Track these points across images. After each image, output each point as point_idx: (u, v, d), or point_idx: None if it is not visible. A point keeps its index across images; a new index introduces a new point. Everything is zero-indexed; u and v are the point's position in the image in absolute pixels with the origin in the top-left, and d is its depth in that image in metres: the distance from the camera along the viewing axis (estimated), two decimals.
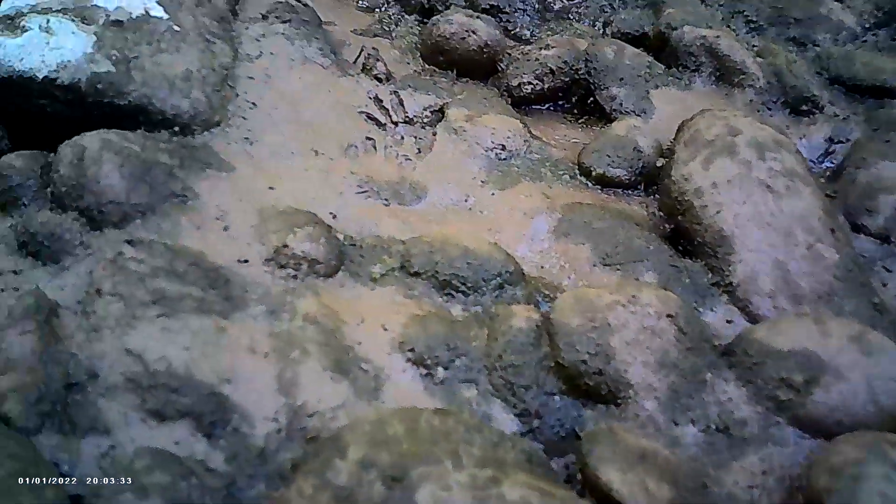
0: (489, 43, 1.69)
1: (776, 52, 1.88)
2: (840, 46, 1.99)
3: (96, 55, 1.29)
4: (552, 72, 1.68)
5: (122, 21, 1.36)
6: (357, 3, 1.98)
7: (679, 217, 1.38)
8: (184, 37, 1.41)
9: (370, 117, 1.54)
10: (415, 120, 1.58)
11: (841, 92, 1.86)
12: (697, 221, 1.34)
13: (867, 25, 2.09)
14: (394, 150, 1.48)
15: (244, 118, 1.41)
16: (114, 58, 1.30)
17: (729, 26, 2.05)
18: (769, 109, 1.77)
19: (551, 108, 1.75)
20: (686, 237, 1.37)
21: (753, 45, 1.95)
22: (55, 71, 1.26)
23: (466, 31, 1.69)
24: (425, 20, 1.91)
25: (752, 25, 2.05)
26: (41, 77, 1.25)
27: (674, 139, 1.52)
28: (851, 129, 1.75)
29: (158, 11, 1.42)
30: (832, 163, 1.70)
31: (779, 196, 1.34)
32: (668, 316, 1.13)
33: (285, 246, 1.16)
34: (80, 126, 1.23)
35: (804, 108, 1.77)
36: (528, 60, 1.69)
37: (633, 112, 1.68)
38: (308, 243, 1.17)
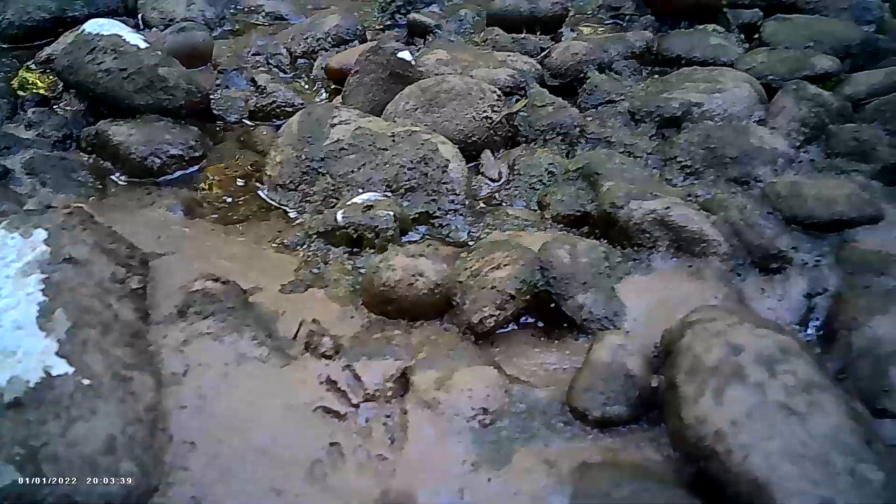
0: (439, 283, 1.53)
1: (725, 203, 1.79)
2: (780, 176, 1.92)
3: None
4: (511, 297, 1.53)
5: (20, 399, 1.14)
6: (274, 244, 1.81)
7: (702, 464, 1.22)
8: (97, 390, 1.20)
9: (328, 411, 1.35)
10: (377, 395, 1.39)
11: (800, 232, 1.77)
12: (725, 470, 1.19)
13: (797, 145, 2.04)
14: (364, 451, 1.29)
15: (185, 468, 1.20)
16: (18, 457, 1.08)
17: (666, 178, 1.96)
18: (739, 275, 1.66)
19: (518, 328, 1.59)
20: (716, 488, 1.21)
21: (697, 196, 1.86)
22: None
23: (413, 275, 1.53)
24: (355, 250, 1.75)
25: (689, 171, 1.97)
26: None
27: (664, 356, 1.38)
28: (826, 276, 1.66)
29: (61, 365, 1.20)
30: (818, 320, 1.59)
31: (803, 418, 1.20)
32: None
33: None
34: None
35: (773, 265, 1.67)
36: (483, 288, 1.53)
37: (605, 318, 1.54)
38: None
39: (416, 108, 2.07)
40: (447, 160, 1.90)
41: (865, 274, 1.63)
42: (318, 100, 2.36)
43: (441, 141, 1.94)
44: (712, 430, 1.21)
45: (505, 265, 1.58)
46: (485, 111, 2.07)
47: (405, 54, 2.18)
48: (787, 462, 1.17)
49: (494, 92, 2.11)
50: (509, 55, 2.38)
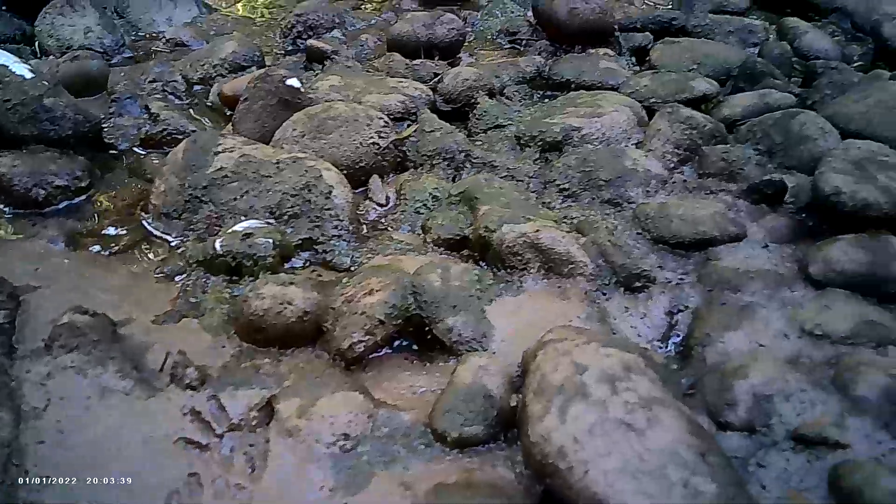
0: (308, 310, 1.56)
1: (595, 225, 1.86)
2: (652, 197, 2.01)
3: None
4: (381, 322, 1.56)
5: None
6: (156, 273, 1.81)
7: (548, 481, 1.27)
8: None
9: (190, 442, 1.36)
10: (241, 424, 1.41)
11: (667, 252, 1.85)
12: (568, 487, 1.23)
13: (672, 166, 2.13)
14: (223, 480, 1.30)
15: None
16: None
17: (545, 201, 2.03)
18: (604, 294, 1.72)
19: (391, 352, 1.62)
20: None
21: (573, 218, 1.93)
22: None
23: (281, 303, 1.55)
24: (234, 278, 1.77)
25: (566, 194, 2.04)
26: None
27: (522, 376, 1.43)
28: (687, 294, 1.73)
29: None
30: (678, 336, 1.66)
31: (642, 433, 1.26)
32: None
33: None
34: None
35: (637, 284, 1.74)
36: (354, 314, 1.57)
37: (473, 340, 1.59)
38: None
39: (304, 135, 2.10)
40: (331, 186, 1.93)
41: (723, 291, 1.72)
42: (211, 127, 2.37)
43: (325, 168, 1.97)
44: (556, 448, 1.26)
45: (377, 291, 1.62)
46: (372, 137, 2.11)
47: (293, 81, 2.21)
48: (624, 477, 1.22)
49: (382, 118, 2.16)
50: (401, 81, 2.43)
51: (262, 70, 2.31)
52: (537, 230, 1.76)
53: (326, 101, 2.24)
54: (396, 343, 1.63)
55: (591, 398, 1.30)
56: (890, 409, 1.40)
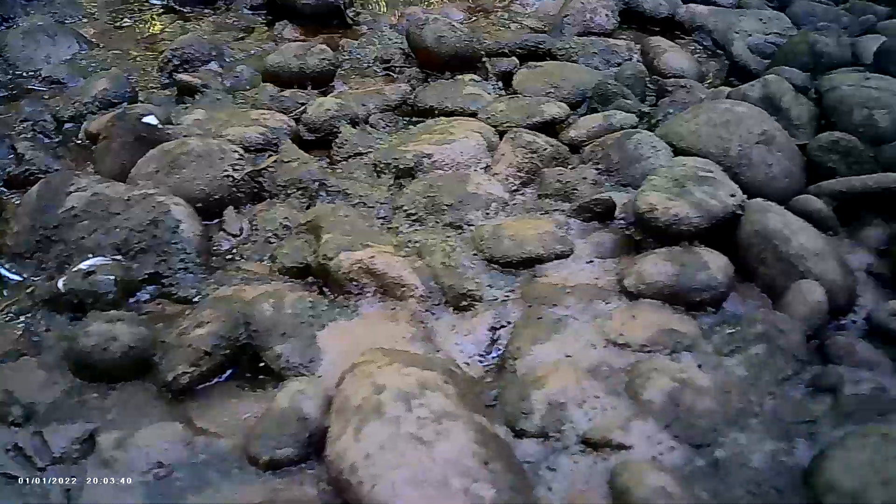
0: (134, 345, 1.63)
1: (432, 248, 1.97)
2: (492, 219, 2.12)
3: None
4: (207, 354, 1.64)
5: None
6: (3, 313, 1.86)
7: (344, 496, 1.36)
8: None
9: (9, 477, 1.42)
10: (63, 458, 1.47)
11: (498, 271, 1.96)
12: (358, 501, 1.33)
13: (514, 189, 2.25)
14: None
15: None
16: None
17: (393, 227, 2.12)
18: (433, 314, 1.83)
19: (223, 381, 1.70)
20: None
21: (416, 243, 2.03)
22: None
23: (107, 340, 1.61)
24: (78, 315, 1.82)
25: (413, 219, 2.14)
26: None
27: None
28: (510, 311, 1.85)
29: None
30: (498, 351, 1.77)
31: (430, 446, 1.36)
32: None
33: None
34: None
35: (464, 303, 1.84)
36: (181, 347, 1.64)
37: (301, 366, 1.67)
38: None
39: (158, 171, 2.17)
40: (178, 220, 2.00)
41: (541, 306, 1.83)
42: (74, 166, 2.42)
43: (175, 202, 2.04)
44: (349, 464, 1.35)
45: (207, 322, 1.70)
46: (226, 170, 2.18)
47: (150, 118, 2.28)
48: (409, 488, 1.32)
49: (236, 151, 2.24)
50: (264, 113, 2.52)
51: (122, 108, 2.37)
52: (372, 256, 1.86)
53: (185, 135, 2.31)
54: (229, 372, 1.71)
55: (385, 416, 1.39)
56: (672, 411, 1.53)
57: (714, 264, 1.86)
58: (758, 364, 1.64)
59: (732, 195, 2.02)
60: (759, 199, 2.03)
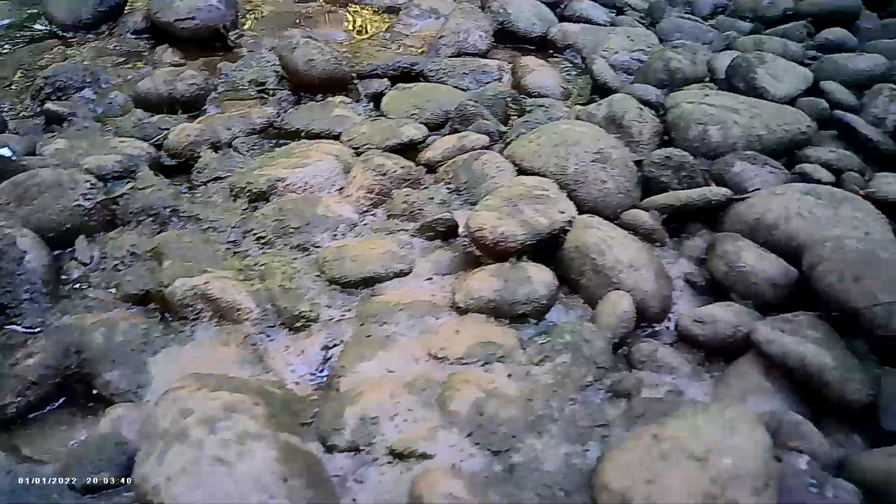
0: None
1: (274, 271, 2.04)
2: (339, 240, 2.20)
3: None
4: (35, 383, 1.68)
5: None
6: None
7: None
8: None
9: None
10: None
11: (338, 291, 2.05)
12: None
13: (364, 210, 2.34)
14: None
15: None
16: None
17: (241, 251, 2.19)
18: (268, 336, 1.90)
19: (54, 408, 1.74)
20: None
21: (262, 265, 2.10)
22: None
23: None
24: None
25: (263, 242, 2.21)
26: None
27: None
28: (344, 330, 1.93)
29: None
30: (328, 370, 1.85)
31: (231, 466, 1.42)
32: None
33: None
34: None
35: (298, 324, 1.92)
36: (10, 377, 1.68)
37: (129, 392, 1.73)
38: None
39: (9, 203, 2.19)
40: (24, 251, 2.03)
41: (373, 324, 1.92)
42: None
43: (21, 233, 2.07)
44: (151, 487, 1.41)
45: (37, 353, 1.74)
46: (77, 200, 2.22)
47: (4, 150, 2.30)
48: None
49: (88, 181, 2.27)
50: (123, 141, 2.56)
51: None
52: (207, 282, 1.93)
53: (41, 166, 2.34)
54: (62, 399, 1.75)
55: (188, 440, 1.46)
56: (476, 420, 1.63)
57: (537, 278, 1.98)
58: (563, 372, 1.75)
59: (562, 212, 2.14)
60: (584, 216, 2.16)
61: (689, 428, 1.48)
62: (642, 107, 2.71)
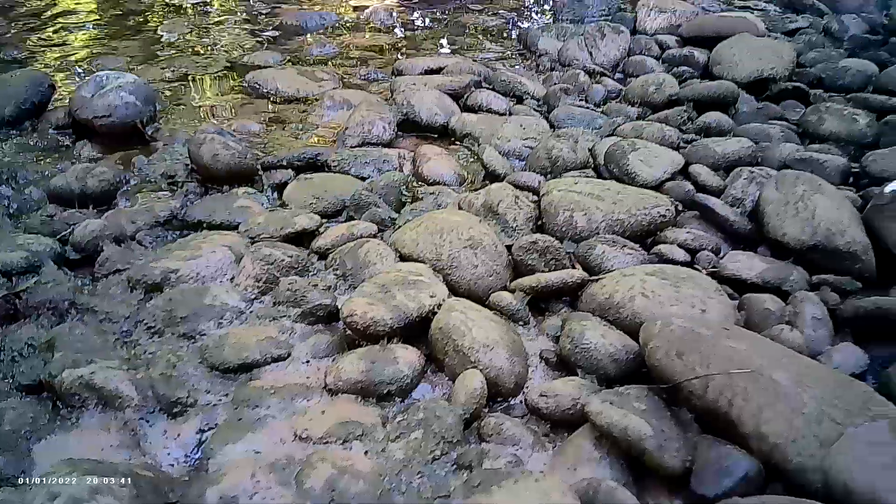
0: None
1: (158, 359, 2.20)
2: (225, 328, 2.37)
3: None
4: None
5: None
6: None
7: None
8: None
9: None
10: None
11: (218, 377, 2.21)
12: None
13: (252, 297, 2.52)
14: None
15: None
16: None
17: (132, 341, 2.34)
18: (148, 422, 2.05)
19: None
20: None
21: (151, 354, 2.25)
22: None
23: None
24: None
25: (153, 331, 2.36)
26: None
27: None
28: (219, 414, 2.08)
29: None
30: (200, 453, 1.99)
31: None
32: None
33: None
34: None
35: (176, 409, 2.07)
36: None
37: (13, 477, 1.86)
38: None
39: None
40: None
41: (246, 407, 2.08)
42: None
43: None
44: None
45: None
46: None
47: None
48: None
49: None
50: (29, 237, 2.72)
51: None
52: (92, 371, 2.08)
53: None
54: None
55: None
56: (328, 497, 1.79)
57: (403, 359, 2.17)
58: (414, 447, 1.93)
59: (433, 296, 2.35)
60: (451, 299, 2.37)
61: (509, 496, 1.66)
62: (518, 194, 2.95)
